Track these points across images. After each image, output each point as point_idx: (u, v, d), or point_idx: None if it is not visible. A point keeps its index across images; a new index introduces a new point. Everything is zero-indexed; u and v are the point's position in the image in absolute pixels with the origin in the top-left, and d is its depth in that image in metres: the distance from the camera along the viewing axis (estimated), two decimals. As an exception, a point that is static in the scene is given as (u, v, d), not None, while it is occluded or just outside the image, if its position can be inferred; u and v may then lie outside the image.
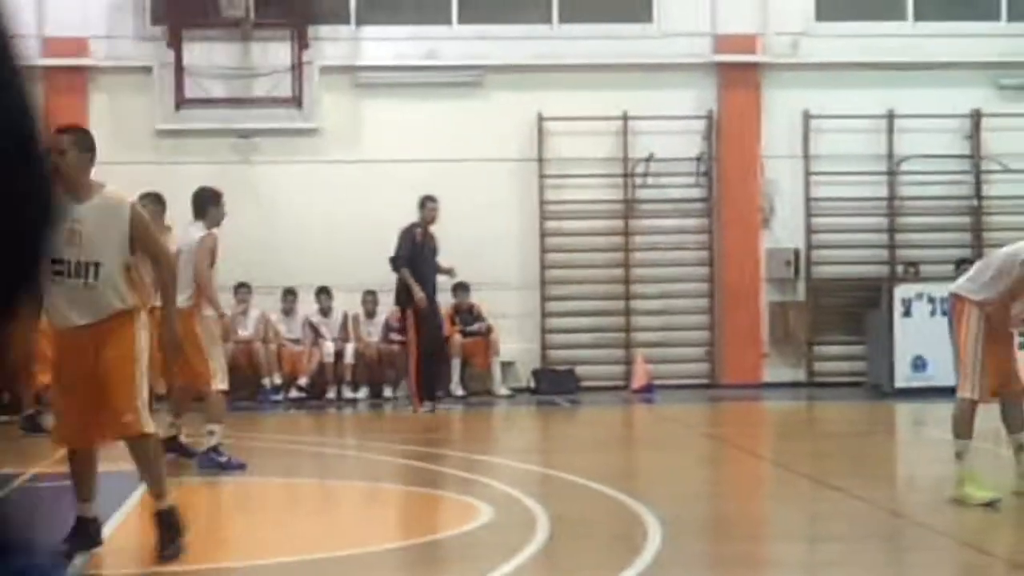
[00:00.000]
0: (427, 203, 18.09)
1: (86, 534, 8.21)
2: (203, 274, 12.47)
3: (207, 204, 12.97)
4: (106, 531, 9.30)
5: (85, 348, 7.87)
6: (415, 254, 17.79)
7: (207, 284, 12.51)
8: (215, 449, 12.42)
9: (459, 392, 19.48)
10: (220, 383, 12.49)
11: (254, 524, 10.30)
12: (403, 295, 17.85)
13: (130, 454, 8.16)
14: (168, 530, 8.13)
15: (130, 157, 20.20)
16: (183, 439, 12.89)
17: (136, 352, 7.95)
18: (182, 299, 12.11)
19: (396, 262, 17.86)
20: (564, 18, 21.19)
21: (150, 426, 8.04)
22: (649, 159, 20.92)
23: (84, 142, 8.16)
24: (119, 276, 7.91)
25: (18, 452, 14.19)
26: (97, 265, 7.84)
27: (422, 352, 17.84)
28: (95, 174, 19.45)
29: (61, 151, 7.87)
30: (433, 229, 18.04)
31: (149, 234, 8.20)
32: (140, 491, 11.27)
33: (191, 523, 9.05)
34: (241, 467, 12.31)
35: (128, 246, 7.96)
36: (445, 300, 19.50)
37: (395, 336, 19.67)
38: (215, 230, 12.81)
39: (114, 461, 12.94)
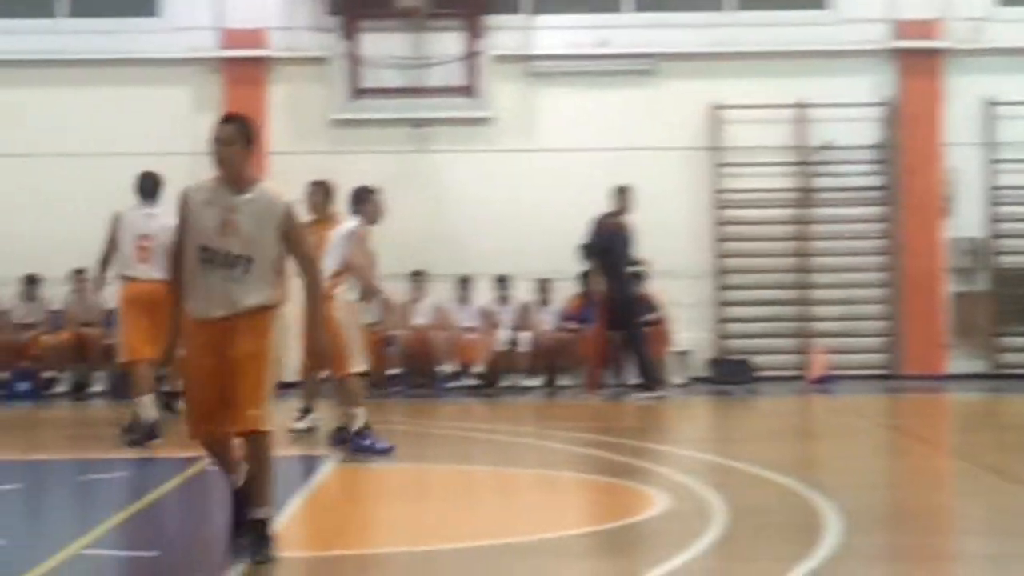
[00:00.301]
0: (622, 192, 18.13)
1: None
2: (362, 267, 12.88)
3: (361, 201, 13.35)
4: (284, 514, 9.45)
5: (219, 342, 7.74)
6: (607, 243, 17.83)
7: (364, 275, 12.90)
8: (359, 433, 12.69)
9: (632, 381, 19.40)
10: (357, 366, 12.79)
11: (430, 510, 10.36)
12: (591, 283, 18.05)
13: (246, 450, 8.04)
14: (260, 540, 7.85)
15: (306, 147, 20.54)
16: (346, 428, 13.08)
17: (269, 349, 7.84)
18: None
19: (586, 250, 17.97)
20: (738, 5, 21.02)
21: (270, 424, 7.87)
22: (826, 147, 20.65)
23: (248, 133, 7.98)
24: (268, 272, 7.80)
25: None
26: (249, 259, 7.71)
27: (608, 341, 17.97)
28: (274, 163, 19.93)
29: (227, 141, 7.83)
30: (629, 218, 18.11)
31: (300, 236, 7.98)
32: (320, 474, 11.45)
33: (369, 507, 9.15)
34: (389, 451, 12.59)
35: (278, 244, 7.81)
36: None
37: (570, 324, 19.68)
38: (366, 225, 13.17)
39: (287, 447, 13.20)
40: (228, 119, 8.04)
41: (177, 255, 7.91)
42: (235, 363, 7.71)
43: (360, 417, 12.78)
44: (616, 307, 18.13)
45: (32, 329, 19.39)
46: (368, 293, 13.25)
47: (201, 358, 7.80)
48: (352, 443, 12.73)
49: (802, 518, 9.15)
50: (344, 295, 12.86)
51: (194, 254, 7.75)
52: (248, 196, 7.79)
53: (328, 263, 12.82)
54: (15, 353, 19.27)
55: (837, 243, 20.82)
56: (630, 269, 18.33)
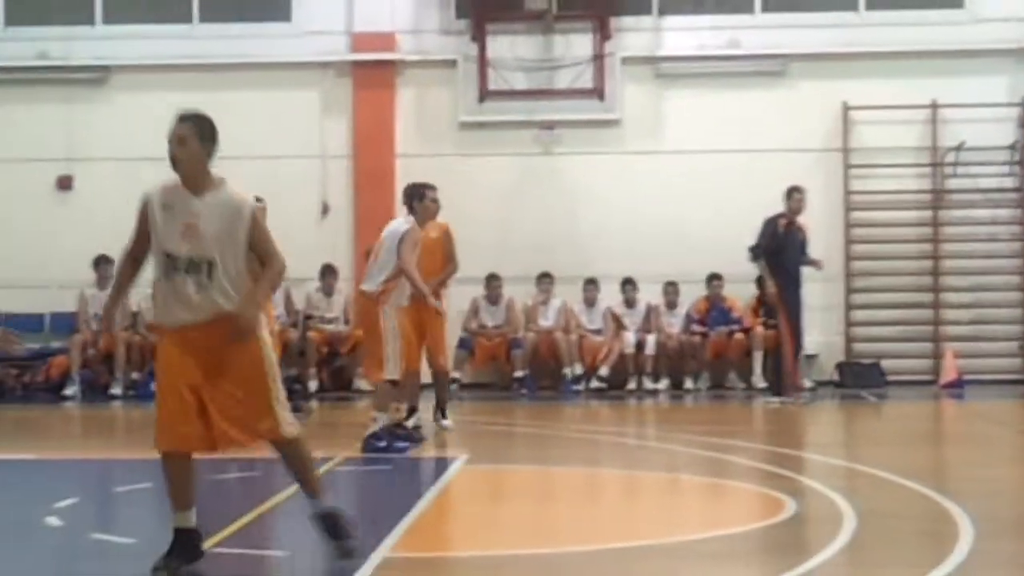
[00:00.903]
0: (793, 193, 18.01)
1: (188, 546, 7.69)
2: (412, 271, 12.92)
3: (412, 199, 13.53)
4: (416, 510, 9.52)
5: (192, 350, 7.41)
6: (777, 245, 17.71)
7: (414, 278, 12.97)
8: (375, 435, 12.93)
9: (760, 384, 19.27)
10: (391, 373, 12.97)
11: (557, 512, 10.38)
12: (764, 284, 17.96)
13: (281, 459, 7.95)
14: (336, 527, 7.81)
15: (434, 150, 20.68)
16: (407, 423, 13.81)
17: (262, 355, 7.50)
18: (372, 285, 12.99)
19: (755, 251, 17.86)
20: (870, 5, 20.81)
21: (293, 429, 7.70)
22: (959, 148, 20.36)
23: (204, 130, 7.71)
24: (236, 276, 7.42)
25: (329, 437, 14.64)
26: (211, 263, 7.37)
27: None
28: (401, 166, 20.13)
29: (180, 140, 7.61)
30: (802, 220, 17.98)
31: (265, 236, 7.56)
32: (448, 475, 11.51)
33: (497, 508, 9.17)
34: (403, 450, 13.00)
35: (244, 246, 7.45)
36: (749, 292, 19.39)
37: (697, 328, 19.63)
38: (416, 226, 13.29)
39: (426, 449, 13.31)
40: (183, 117, 7.74)
41: (124, 258, 7.79)
42: (228, 377, 7.44)
43: (380, 421, 13.00)
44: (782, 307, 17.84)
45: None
46: (418, 295, 13.31)
47: (172, 367, 7.47)
48: (367, 444, 12.95)
49: (933, 524, 9.05)
50: (395, 301, 13.01)
51: (159, 261, 7.50)
52: (209, 199, 7.55)
53: (376, 267, 13.07)
54: (150, 354, 19.61)
55: (970, 245, 20.53)
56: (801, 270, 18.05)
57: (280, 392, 7.59)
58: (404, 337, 13.07)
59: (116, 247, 18.63)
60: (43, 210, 20.51)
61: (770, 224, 17.80)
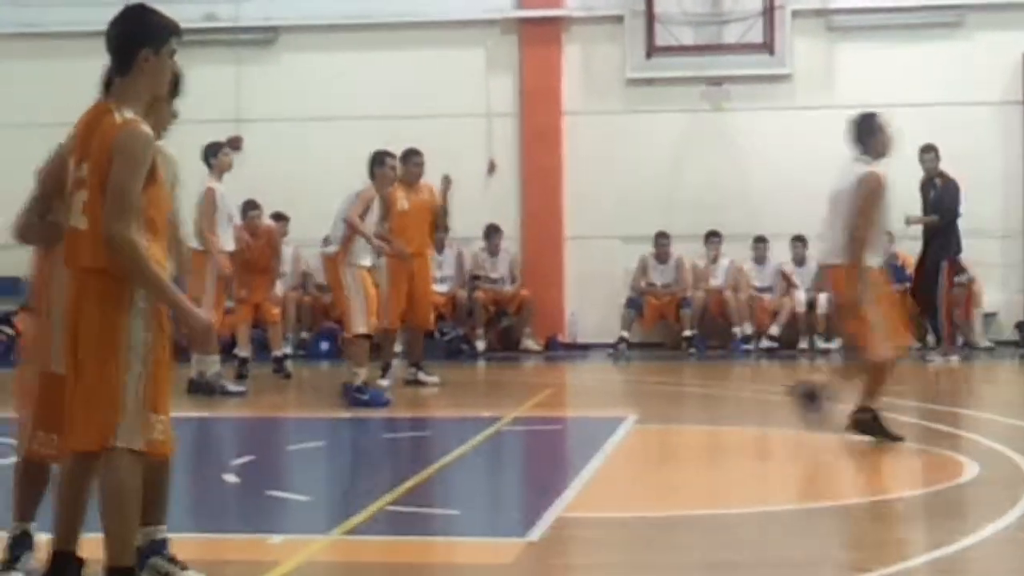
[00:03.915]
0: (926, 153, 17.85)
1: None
2: (353, 219, 13.61)
3: (373, 164, 14.25)
4: (588, 470, 9.54)
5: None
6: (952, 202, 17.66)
7: (358, 228, 13.60)
8: (358, 388, 13.50)
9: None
10: (357, 327, 13.57)
11: (728, 474, 10.33)
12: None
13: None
14: None
15: (602, 107, 20.63)
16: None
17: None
18: (332, 247, 13.82)
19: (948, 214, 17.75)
20: (1054, -51, 20.23)
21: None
22: None
23: None
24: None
25: (497, 397, 14.74)
26: None
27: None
28: (568, 123, 20.21)
29: None
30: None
31: None
32: (618, 435, 11.51)
33: (666, 469, 9.11)
34: (385, 403, 13.53)
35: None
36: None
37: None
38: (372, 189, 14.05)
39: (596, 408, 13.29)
40: None
41: None
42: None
43: (360, 376, 13.56)
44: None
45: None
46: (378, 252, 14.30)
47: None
48: (350, 398, 13.55)
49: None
50: (354, 260, 13.66)
51: None
52: None
53: (335, 228, 13.89)
54: (320, 314, 19.90)
55: None
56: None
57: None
58: (366, 292, 13.65)
59: (286, 206, 19.01)
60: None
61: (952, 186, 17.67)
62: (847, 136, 11.34)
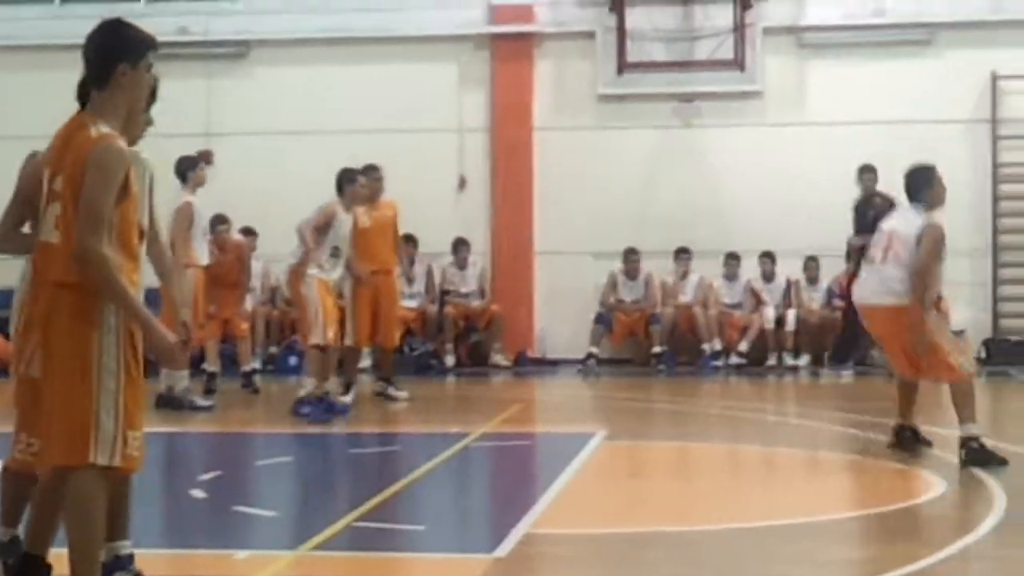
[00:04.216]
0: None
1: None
2: (304, 231, 13.81)
3: (343, 181, 14.24)
4: (557, 485, 9.54)
5: None
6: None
7: (307, 239, 13.79)
8: (301, 400, 13.72)
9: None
10: (315, 338, 13.68)
11: (696, 490, 10.36)
12: None
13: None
14: None
15: (573, 122, 20.68)
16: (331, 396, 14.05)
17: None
18: (295, 258, 13.97)
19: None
20: (1020, -30, 20.37)
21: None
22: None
23: None
24: None
25: (466, 412, 14.73)
26: None
27: None
28: (539, 138, 20.19)
29: None
30: None
31: None
32: (586, 451, 11.52)
33: (635, 485, 9.12)
34: (327, 419, 13.52)
35: None
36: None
37: (838, 302, 19.39)
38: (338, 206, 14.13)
39: (564, 424, 13.28)
40: None
41: None
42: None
43: (307, 386, 13.77)
44: None
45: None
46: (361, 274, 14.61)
47: None
48: (294, 408, 13.75)
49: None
50: (312, 271, 13.76)
51: None
52: None
53: (299, 240, 13.98)
54: (288, 328, 19.83)
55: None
56: None
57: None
58: (323, 303, 13.72)
59: (257, 220, 18.95)
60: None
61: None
62: (904, 185, 11.47)
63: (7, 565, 6.41)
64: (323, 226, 13.84)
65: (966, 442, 10.49)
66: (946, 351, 10.71)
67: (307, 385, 13.79)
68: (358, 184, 14.33)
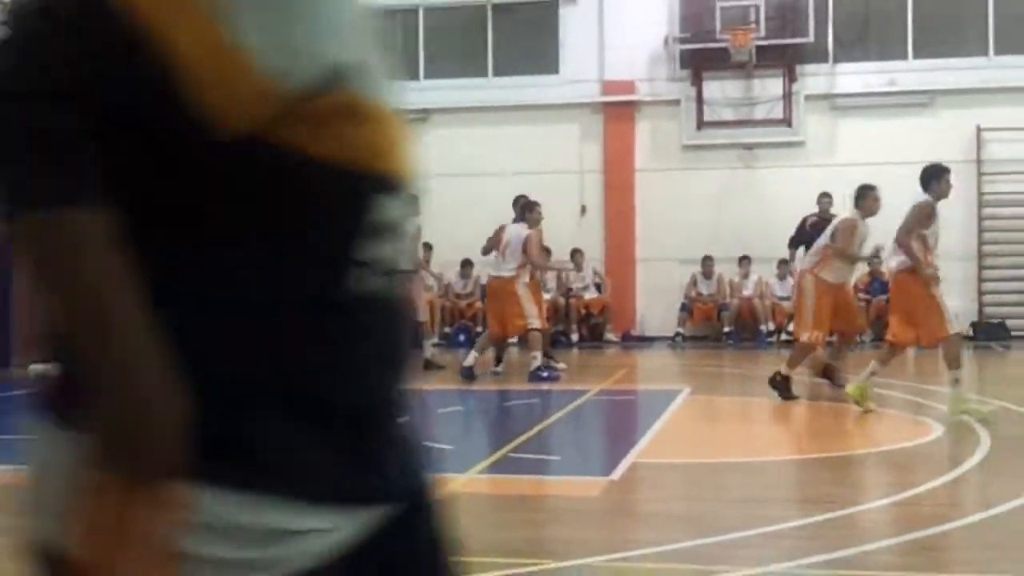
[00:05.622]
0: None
1: None
2: (536, 258, 13.53)
3: (524, 209, 13.61)
4: (655, 428, 9.51)
5: None
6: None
7: (541, 264, 13.95)
8: (539, 369, 13.34)
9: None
10: (534, 323, 13.35)
11: (758, 432, 10.24)
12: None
13: None
14: None
15: (664, 166, 20.58)
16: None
17: None
18: (508, 268, 13.38)
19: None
20: (999, 50, 19.86)
21: None
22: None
23: None
24: None
25: (586, 375, 14.71)
26: None
27: None
28: (640, 179, 19.89)
29: None
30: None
31: None
32: (679, 400, 11.45)
33: (710, 428, 8.96)
34: (556, 378, 13.29)
35: None
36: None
37: (861, 295, 19.05)
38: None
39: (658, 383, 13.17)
40: None
41: None
42: None
43: (538, 359, 13.35)
44: None
45: (467, 298, 20.12)
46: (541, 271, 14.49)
47: None
48: (533, 376, 13.32)
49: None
50: (524, 277, 13.44)
51: None
52: None
53: (509, 257, 13.38)
54: (457, 314, 20.04)
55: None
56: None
57: None
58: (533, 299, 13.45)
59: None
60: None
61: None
62: (920, 178, 11.06)
63: None
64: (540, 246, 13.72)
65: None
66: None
67: (537, 357, 13.41)
68: (536, 211, 13.69)
